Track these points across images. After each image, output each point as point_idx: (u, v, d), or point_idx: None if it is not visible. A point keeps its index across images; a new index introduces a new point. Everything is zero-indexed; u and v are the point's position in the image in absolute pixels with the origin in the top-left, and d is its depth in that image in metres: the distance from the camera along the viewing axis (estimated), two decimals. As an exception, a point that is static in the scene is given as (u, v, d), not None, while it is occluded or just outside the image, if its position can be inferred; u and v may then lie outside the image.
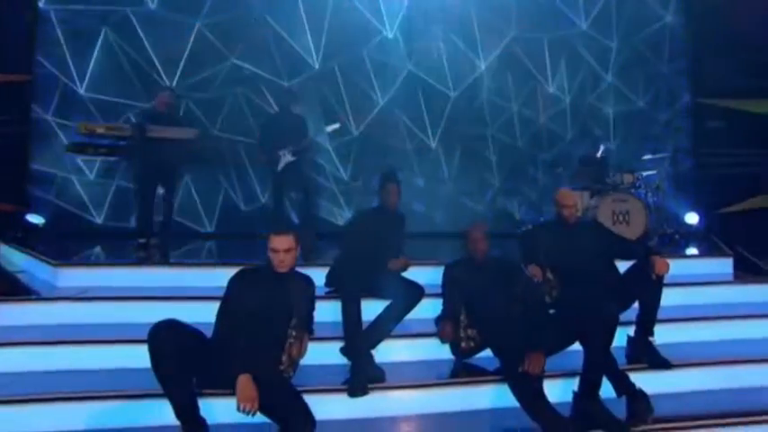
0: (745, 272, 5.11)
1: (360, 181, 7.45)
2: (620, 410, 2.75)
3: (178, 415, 2.48)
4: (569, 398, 2.73)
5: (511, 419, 2.71)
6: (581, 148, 7.61)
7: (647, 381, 2.93)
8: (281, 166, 5.80)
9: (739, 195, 7.57)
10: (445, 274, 3.42)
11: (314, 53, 7.51)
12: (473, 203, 7.72)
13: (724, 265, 4.95)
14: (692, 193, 7.78)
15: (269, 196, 7.02)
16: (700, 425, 2.76)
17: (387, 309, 3.17)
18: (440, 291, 3.42)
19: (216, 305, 2.76)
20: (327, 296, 3.52)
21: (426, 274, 3.71)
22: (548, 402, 2.54)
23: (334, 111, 7.29)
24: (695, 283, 4.40)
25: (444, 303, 3.34)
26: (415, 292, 3.30)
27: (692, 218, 7.35)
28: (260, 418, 2.51)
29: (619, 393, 2.76)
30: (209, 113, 7.15)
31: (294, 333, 2.60)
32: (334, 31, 7.43)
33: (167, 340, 2.41)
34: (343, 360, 3.11)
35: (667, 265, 3.15)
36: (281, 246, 2.67)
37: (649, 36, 8.25)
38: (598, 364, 2.60)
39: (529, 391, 2.55)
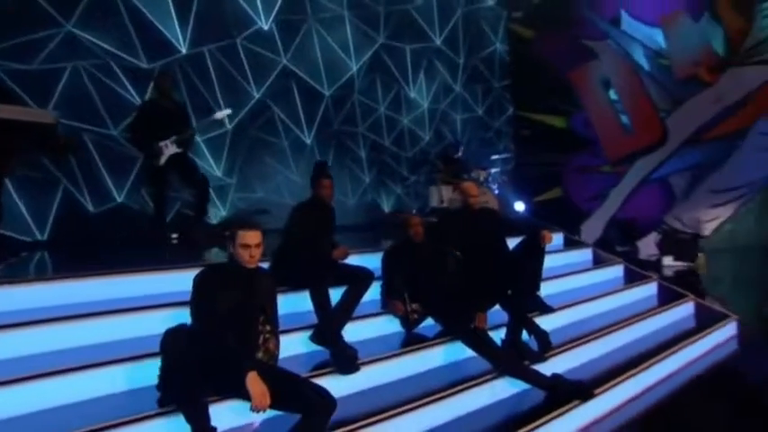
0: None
1: (234, 177, 6.07)
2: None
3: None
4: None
5: (462, 370, 3.01)
6: (437, 149, 7.49)
7: (540, 322, 3.41)
8: (163, 159, 4.36)
9: (545, 188, 8.37)
10: (387, 258, 3.43)
11: (180, 34, 5.68)
12: (345, 198, 6.88)
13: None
14: (517, 186, 8.10)
15: (127, 194, 5.29)
16: (576, 345, 3.54)
17: (345, 294, 3.00)
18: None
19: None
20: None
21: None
22: (496, 344, 3.01)
23: (205, 101, 5.74)
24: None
25: (387, 283, 3.37)
26: (369, 276, 3.12)
27: (519, 206, 7.63)
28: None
29: (529, 334, 3.23)
30: (34, 90, 4.80)
31: (268, 328, 2.34)
32: (204, 12, 5.78)
33: (188, 352, 2.04)
34: (305, 349, 2.91)
35: (551, 237, 3.56)
36: (254, 241, 2.34)
37: (486, 57, 8.36)
38: (522, 306, 3.17)
39: (481, 341, 2.96)
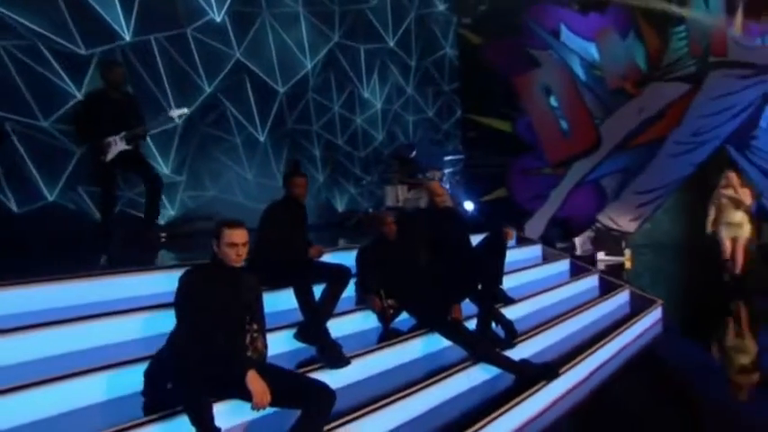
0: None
1: (184, 175, 5.66)
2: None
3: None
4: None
5: (439, 360, 3.13)
6: (389, 149, 7.41)
7: (505, 313, 3.56)
8: (110, 155, 3.97)
9: (492, 188, 8.61)
10: (361, 255, 3.48)
11: (123, 19, 5.13)
12: None
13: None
14: (466, 186, 8.17)
15: (61, 192, 4.76)
16: (536, 333, 3.71)
17: (325, 291, 2.97)
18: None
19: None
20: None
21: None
22: (471, 333, 3.15)
23: (152, 93, 5.31)
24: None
25: (362, 280, 3.39)
26: (347, 273, 3.09)
27: (468, 205, 7.71)
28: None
29: (496, 324, 3.38)
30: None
31: (255, 326, 2.26)
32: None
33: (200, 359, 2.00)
34: (289, 347, 2.88)
35: (513, 234, 3.89)
36: (241, 239, 2.28)
37: (436, 60, 8.41)
38: (490, 298, 3.31)
39: (458, 331, 3.09)
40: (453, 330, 3.09)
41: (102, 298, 2.80)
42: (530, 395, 2.93)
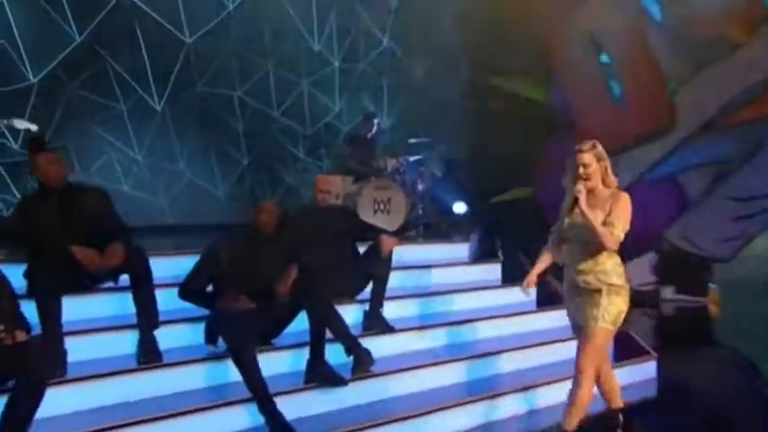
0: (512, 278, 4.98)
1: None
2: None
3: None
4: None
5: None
6: (351, 125, 7.04)
7: (377, 345, 3.60)
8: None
9: (509, 184, 7.71)
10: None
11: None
12: (212, 188, 6.49)
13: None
14: (463, 181, 7.48)
15: None
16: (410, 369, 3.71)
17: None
18: None
19: None
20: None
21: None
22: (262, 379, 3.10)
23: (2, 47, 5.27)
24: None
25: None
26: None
27: (459, 207, 6.95)
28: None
29: (348, 353, 3.39)
30: None
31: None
32: None
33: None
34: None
35: (393, 243, 3.85)
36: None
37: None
38: (319, 334, 3.31)
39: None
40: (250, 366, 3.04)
41: None
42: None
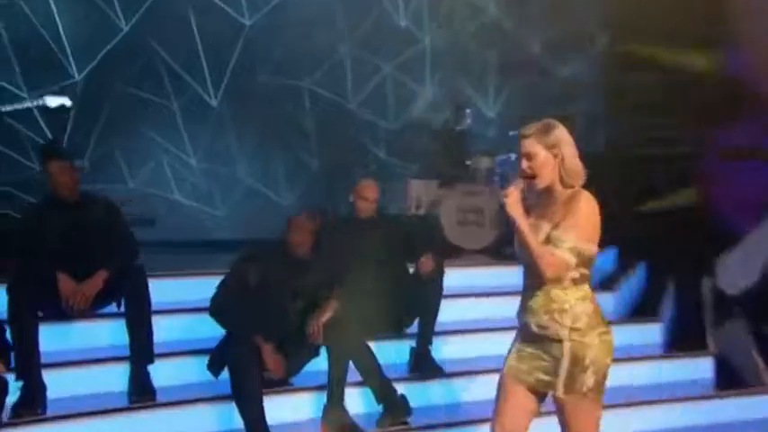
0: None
1: (86, 161, 5.60)
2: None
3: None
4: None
5: None
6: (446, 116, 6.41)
7: (421, 391, 3.52)
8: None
9: (664, 187, 6.76)
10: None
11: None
12: (275, 196, 6.25)
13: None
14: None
15: None
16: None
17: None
18: None
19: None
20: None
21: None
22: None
23: (43, 41, 5.35)
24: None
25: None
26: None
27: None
28: None
29: (378, 400, 3.36)
30: None
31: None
32: None
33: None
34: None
35: (430, 265, 3.63)
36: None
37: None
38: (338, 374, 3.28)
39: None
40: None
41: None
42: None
